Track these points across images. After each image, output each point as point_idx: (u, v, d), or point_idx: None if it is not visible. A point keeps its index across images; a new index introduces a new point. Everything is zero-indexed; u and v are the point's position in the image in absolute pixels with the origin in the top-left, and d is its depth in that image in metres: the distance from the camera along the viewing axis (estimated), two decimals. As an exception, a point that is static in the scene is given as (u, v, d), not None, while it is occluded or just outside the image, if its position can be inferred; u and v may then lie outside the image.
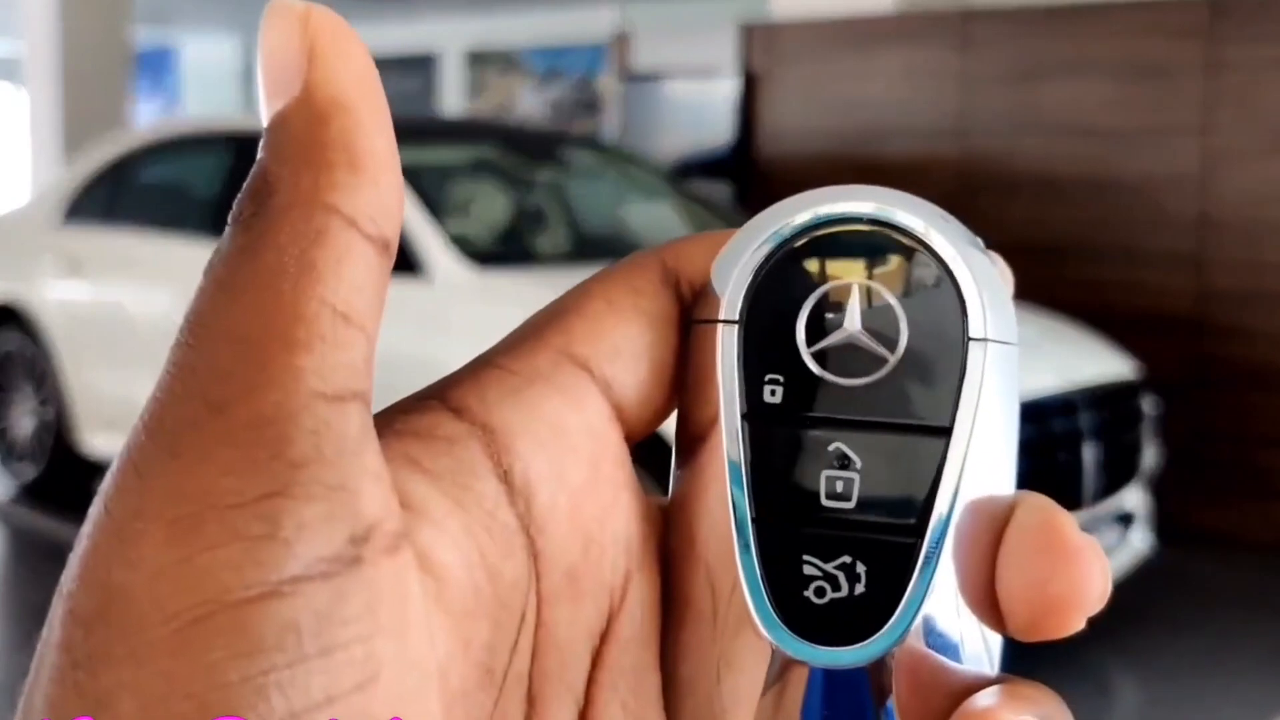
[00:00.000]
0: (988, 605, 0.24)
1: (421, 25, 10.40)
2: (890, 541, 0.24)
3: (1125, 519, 3.46)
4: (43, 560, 4.34)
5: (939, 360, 0.25)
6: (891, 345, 0.25)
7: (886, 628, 0.24)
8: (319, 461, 0.20)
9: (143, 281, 4.45)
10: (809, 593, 0.24)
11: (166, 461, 0.20)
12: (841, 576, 0.24)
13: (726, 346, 0.25)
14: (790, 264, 0.25)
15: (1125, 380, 3.55)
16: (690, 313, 0.26)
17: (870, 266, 0.25)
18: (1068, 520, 0.24)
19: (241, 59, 12.28)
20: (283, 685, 0.19)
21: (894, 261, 0.25)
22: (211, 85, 12.11)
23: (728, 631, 0.25)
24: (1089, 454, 3.25)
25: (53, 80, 6.45)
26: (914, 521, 0.24)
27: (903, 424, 0.24)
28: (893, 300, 0.25)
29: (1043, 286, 4.46)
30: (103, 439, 4.50)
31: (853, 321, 0.25)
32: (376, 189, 0.22)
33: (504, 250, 4.02)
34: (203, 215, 4.42)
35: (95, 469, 4.74)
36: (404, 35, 10.59)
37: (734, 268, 0.26)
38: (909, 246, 0.25)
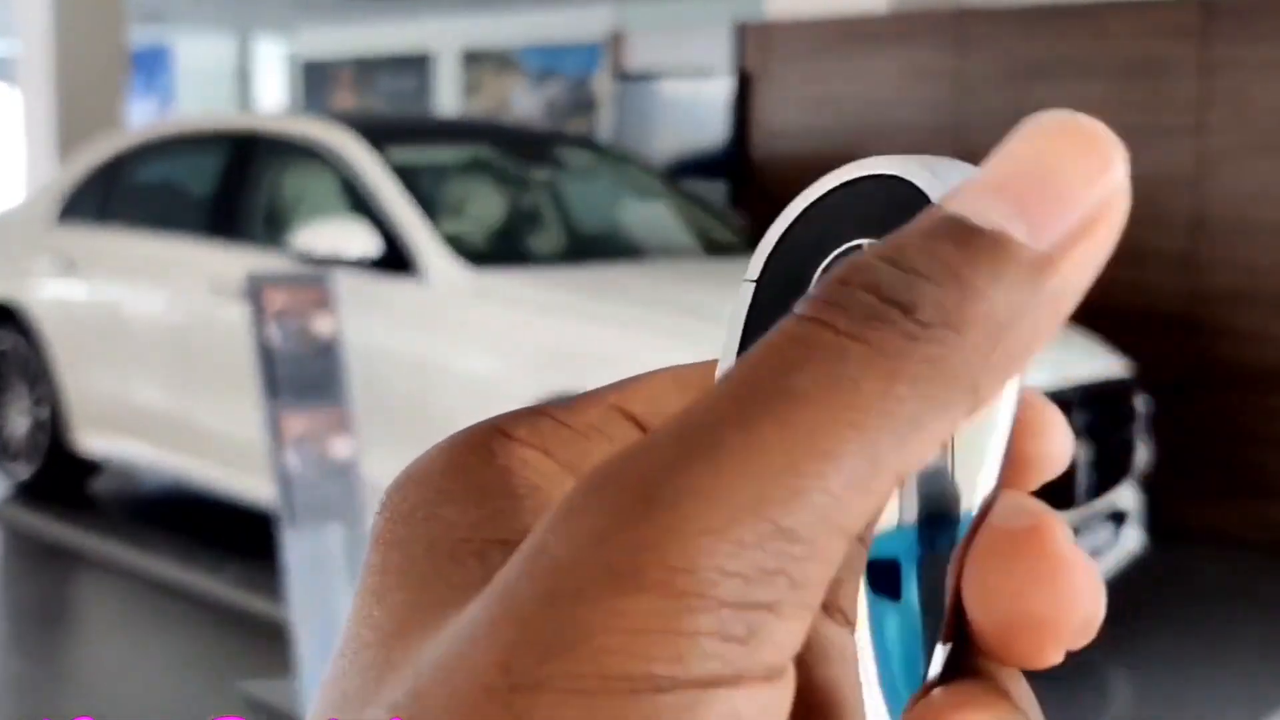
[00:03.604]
0: (948, 616, 0.23)
1: (417, 25, 10.39)
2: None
3: (1118, 517, 3.46)
4: (37, 559, 4.33)
5: None
6: None
7: None
8: (816, 587, 0.20)
9: (137, 280, 4.45)
10: None
11: (690, 522, 0.20)
12: None
13: (739, 304, 0.25)
14: (810, 226, 0.25)
15: (1118, 379, 3.55)
16: None
17: (886, 225, 0.24)
18: (1056, 523, 0.22)
19: (235, 58, 12.26)
20: None
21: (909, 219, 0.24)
22: (206, 84, 12.09)
23: None
24: (1082, 452, 3.26)
25: (48, 79, 6.43)
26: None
27: None
28: None
29: (1036, 286, 4.46)
30: (97, 438, 4.50)
31: None
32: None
33: (499, 250, 4.02)
34: (197, 214, 4.42)
35: (90, 468, 4.74)
36: (399, 35, 10.58)
37: (769, 233, 0.26)
38: (924, 205, 0.24)
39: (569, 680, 0.19)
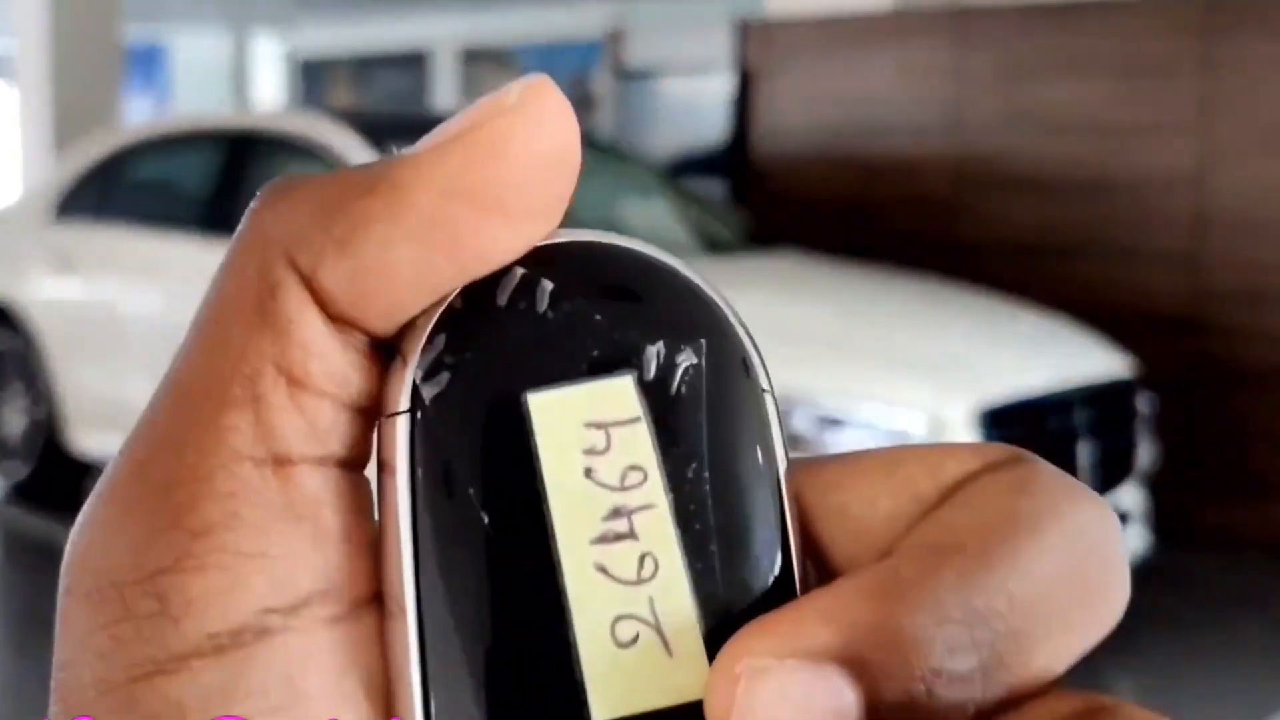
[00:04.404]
0: None
1: (415, 23, 10.38)
2: None
3: (1121, 518, 3.45)
4: (32, 560, 4.32)
5: None
6: None
7: None
8: (231, 528, 0.19)
9: (134, 279, 4.43)
10: None
11: (94, 530, 0.20)
12: None
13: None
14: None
15: (1121, 378, 3.54)
16: None
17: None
18: None
19: (232, 56, 12.25)
20: None
21: None
22: (203, 82, 12.07)
23: None
24: (1084, 452, 3.24)
25: (44, 77, 6.42)
26: None
27: None
28: None
29: (1038, 284, 4.45)
30: (93, 438, 4.48)
31: None
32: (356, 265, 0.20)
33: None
34: (194, 212, 4.40)
35: (86, 468, 4.72)
36: (397, 33, 10.57)
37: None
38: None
39: (62, 711, 0.20)
